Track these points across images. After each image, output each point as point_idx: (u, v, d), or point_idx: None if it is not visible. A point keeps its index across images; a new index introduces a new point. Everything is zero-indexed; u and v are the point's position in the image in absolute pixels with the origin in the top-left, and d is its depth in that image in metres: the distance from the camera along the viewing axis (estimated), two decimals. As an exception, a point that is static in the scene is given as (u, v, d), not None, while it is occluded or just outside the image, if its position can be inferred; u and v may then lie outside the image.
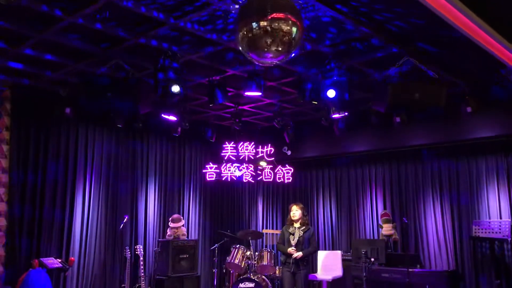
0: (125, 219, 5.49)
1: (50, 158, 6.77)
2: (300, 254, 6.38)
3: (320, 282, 7.30)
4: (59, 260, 6.48)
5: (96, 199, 7.29)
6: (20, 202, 6.37)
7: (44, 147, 6.73)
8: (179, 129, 7.74)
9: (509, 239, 6.44)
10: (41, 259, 6.28)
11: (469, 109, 6.23)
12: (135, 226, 7.79)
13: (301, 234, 6.47)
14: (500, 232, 6.44)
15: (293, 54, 3.30)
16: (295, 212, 6.55)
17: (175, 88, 5.31)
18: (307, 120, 8.37)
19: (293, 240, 6.46)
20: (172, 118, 6.97)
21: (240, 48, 3.29)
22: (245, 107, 7.72)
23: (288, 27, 3.09)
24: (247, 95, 5.92)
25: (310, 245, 6.48)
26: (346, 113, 6.66)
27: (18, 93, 6.41)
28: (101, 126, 7.41)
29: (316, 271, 7.62)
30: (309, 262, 6.63)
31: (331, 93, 5.55)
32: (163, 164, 8.40)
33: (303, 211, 6.60)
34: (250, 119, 8.52)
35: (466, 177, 7.19)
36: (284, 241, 6.58)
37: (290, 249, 6.40)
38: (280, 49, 3.14)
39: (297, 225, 6.56)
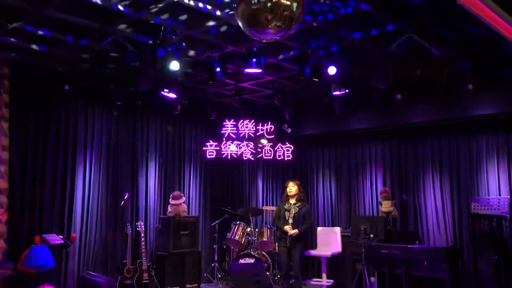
0: (126, 196, 5.52)
1: (50, 135, 6.76)
2: (296, 231, 6.46)
3: (319, 258, 7.39)
4: (61, 237, 6.54)
5: (96, 176, 7.31)
6: (20, 179, 6.39)
7: (44, 124, 6.71)
8: (179, 107, 7.72)
9: (508, 215, 6.48)
10: (43, 235, 6.34)
11: (470, 87, 6.19)
12: (136, 203, 7.84)
13: (297, 211, 6.55)
14: (499, 209, 6.48)
15: (293, 30, 3.26)
16: (292, 188, 6.63)
17: (174, 65, 5.27)
18: (308, 97, 8.33)
19: (289, 216, 6.53)
20: (172, 95, 6.94)
21: (240, 24, 3.25)
22: (245, 84, 7.68)
23: (289, 2, 3.04)
24: (247, 72, 5.88)
25: (305, 222, 6.55)
26: (346, 90, 6.63)
27: (16, 70, 6.35)
28: (100, 104, 7.37)
29: (315, 247, 7.70)
30: (305, 237, 6.72)
31: (332, 70, 5.51)
32: (163, 142, 8.40)
33: (299, 188, 6.67)
34: (250, 96, 8.48)
35: (466, 155, 7.19)
36: (279, 216, 6.65)
37: (287, 227, 6.47)
38: (280, 24, 3.10)
39: (292, 201, 6.63)
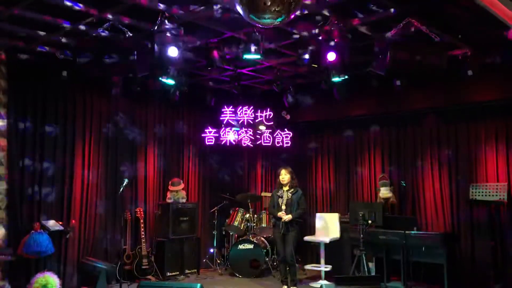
0: (125, 183, 5.54)
1: (48, 122, 6.75)
2: (289, 217, 6.52)
3: (317, 244, 7.43)
4: (60, 223, 6.57)
5: (95, 163, 7.31)
6: (19, 166, 6.39)
7: (42, 111, 6.69)
8: (177, 93, 7.69)
9: (506, 201, 6.51)
10: (42, 221, 6.37)
11: (470, 72, 6.18)
12: (135, 190, 7.85)
13: (289, 196, 6.62)
14: (497, 195, 6.50)
15: (292, 15, 3.23)
16: (284, 176, 6.70)
17: (173, 51, 5.24)
18: (307, 83, 8.31)
19: (282, 203, 6.59)
20: (170, 81, 6.91)
21: (239, 9, 3.21)
22: (244, 71, 7.64)
23: (288, -14, 3.01)
24: (246, 58, 5.84)
25: (299, 207, 6.61)
26: (346, 76, 6.61)
27: (14, 56, 6.32)
28: (99, 89, 7.35)
29: (313, 233, 7.74)
30: (299, 223, 6.78)
31: (331, 56, 5.48)
32: (162, 128, 8.38)
33: (292, 175, 6.74)
34: (249, 82, 8.45)
35: (465, 141, 7.20)
36: (274, 204, 6.71)
37: (280, 213, 6.53)
38: (279, 9, 3.07)
39: (285, 188, 6.69)
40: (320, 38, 5.56)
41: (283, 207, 6.58)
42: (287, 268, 6.61)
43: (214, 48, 5.86)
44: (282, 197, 6.65)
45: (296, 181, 6.86)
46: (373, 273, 6.81)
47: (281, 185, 6.76)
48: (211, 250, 8.46)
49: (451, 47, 6.02)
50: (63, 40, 5.92)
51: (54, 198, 6.74)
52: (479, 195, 6.66)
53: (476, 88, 6.68)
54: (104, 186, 7.40)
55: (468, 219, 7.02)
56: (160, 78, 6.82)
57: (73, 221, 6.75)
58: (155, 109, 8.28)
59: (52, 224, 6.43)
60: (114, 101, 7.60)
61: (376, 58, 5.32)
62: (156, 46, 5.15)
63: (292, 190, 6.69)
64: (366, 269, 6.49)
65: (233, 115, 8.35)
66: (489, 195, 6.57)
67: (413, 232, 6.55)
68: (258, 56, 5.69)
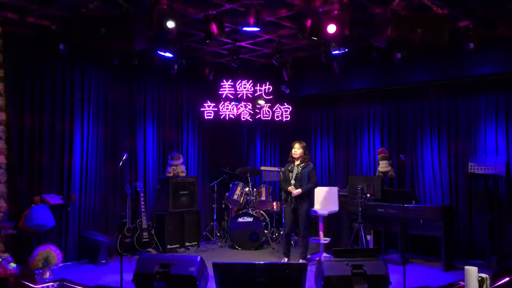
0: (124, 157, 5.53)
1: (47, 95, 6.70)
2: (298, 191, 6.51)
3: (316, 217, 7.48)
4: (61, 197, 6.61)
5: (94, 137, 7.30)
6: (18, 139, 6.38)
7: (39, 84, 6.63)
8: (176, 67, 7.62)
9: (504, 175, 6.53)
10: (43, 195, 6.40)
11: (471, 45, 6.11)
12: (134, 164, 7.86)
13: (299, 171, 6.59)
14: (495, 169, 6.52)
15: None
16: (297, 150, 6.64)
17: (170, 24, 5.16)
18: (307, 57, 8.22)
19: (292, 177, 6.58)
20: (168, 55, 6.84)
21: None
22: (243, 44, 7.55)
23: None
24: (244, 30, 5.76)
25: (309, 181, 6.60)
26: (346, 50, 6.54)
27: (9, 29, 6.23)
28: (96, 64, 7.28)
29: (312, 207, 7.79)
30: (310, 197, 6.75)
31: (331, 28, 5.39)
32: (160, 102, 8.34)
33: (305, 150, 6.68)
34: (248, 56, 8.36)
35: (465, 115, 7.17)
36: (285, 179, 6.70)
37: (290, 188, 6.53)
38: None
39: (297, 162, 6.66)
40: (320, 10, 5.47)
41: (293, 181, 6.57)
42: (291, 241, 6.62)
43: (213, 20, 5.76)
44: (292, 172, 6.63)
45: (309, 156, 6.80)
46: (371, 246, 6.88)
47: (292, 159, 6.72)
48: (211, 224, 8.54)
49: (453, 20, 5.93)
50: (60, 13, 5.82)
51: (54, 172, 6.75)
52: (477, 169, 6.68)
53: (477, 61, 6.62)
54: (103, 160, 7.41)
55: (466, 193, 7.06)
56: (159, 51, 6.75)
57: (73, 195, 6.77)
58: (154, 83, 8.22)
59: (52, 197, 6.46)
60: (112, 75, 7.54)
61: (377, 30, 5.25)
62: (153, 19, 5.07)
63: (303, 164, 6.65)
64: (364, 242, 6.56)
65: (232, 89, 8.29)
66: (488, 169, 6.59)
67: (411, 205, 6.59)
68: (257, 29, 5.61)
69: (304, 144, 6.72)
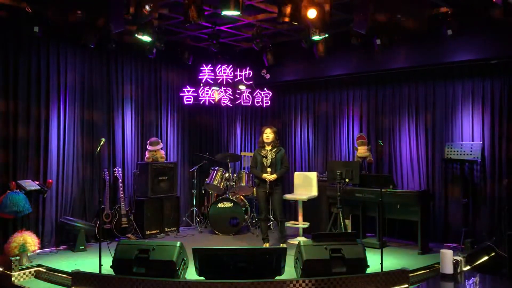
0: (102, 142, 5.46)
1: (21, 78, 6.53)
2: (274, 176, 6.56)
3: (295, 202, 7.54)
4: (37, 182, 6.49)
5: (71, 121, 7.16)
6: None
7: (14, 66, 6.46)
8: (154, 51, 7.52)
9: (479, 160, 6.67)
10: (19, 181, 6.28)
11: (450, 32, 6.18)
12: (112, 149, 7.75)
13: (274, 156, 6.63)
14: (471, 154, 6.65)
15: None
16: (269, 135, 6.65)
17: (148, 7, 5.07)
18: (287, 42, 8.20)
19: (267, 162, 6.60)
20: (147, 38, 6.73)
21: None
22: (223, 28, 7.48)
23: None
24: (224, 14, 5.70)
25: (282, 165, 6.65)
26: (326, 35, 6.53)
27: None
28: (73, 47, 7.11)
29: (292, 192, 7.85)
30: (282, 180, 6.86)
31: (312, 13, 5.38)
32: (139, 87, 8.21)
33: (276, 135, 6.70)
34: (228, 40, 8.29)
35: (442, 101, 7.27)
36: (256, 164, 6.70)
37: (265, 175, 6.55)
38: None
39: (268, 147, 6.68)
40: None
41: (268, 169, 6.59)
42: (269, 225, 6.69)
43: (192, 3, 5.67)
44: (266, 157, 6.63)
45: (279, 142, 6.85)
46: (349, 230, 6.97)
47: (263, 144, 6.73)
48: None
49: (431, 6, 5.97)
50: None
51: (30, 157, 6.62)
52: (454, 154, 6.81)
53: (455, 47, 6.69)
54: (80, 146, 7.29)
55: (442, 178, 7.19)
56: (136, 35, 6.63)
57: (50, 180, 6.66)
58: (132, 67, 8.08)
59: (28, 183, 6.34)
60: (89, 59, 7.39)
61: (357, 15, 5.26)
62: (131, 2, 4.98)
63: (275, 149, 6.68)
64: (342, 226, 6.65)
65: (212, 74, 8.22)
66: (464, 154, 6.72)
67: (389, 190, 6.68)
68: (237, 12, 5.55)
69: (275, 129, 6.74)
